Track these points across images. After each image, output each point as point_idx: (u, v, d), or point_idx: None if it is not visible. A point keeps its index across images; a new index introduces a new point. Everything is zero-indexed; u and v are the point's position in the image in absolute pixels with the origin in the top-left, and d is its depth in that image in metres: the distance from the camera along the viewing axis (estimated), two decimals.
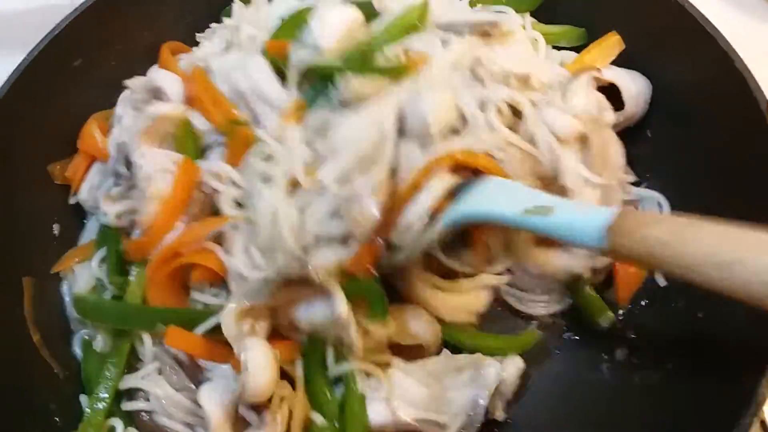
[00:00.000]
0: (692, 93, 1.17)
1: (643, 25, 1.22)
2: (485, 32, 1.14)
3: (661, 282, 1.10)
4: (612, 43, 1.24)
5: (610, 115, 1.18)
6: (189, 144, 1.09)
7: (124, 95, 1.27)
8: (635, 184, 1.20)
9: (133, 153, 1.05)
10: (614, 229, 0.77)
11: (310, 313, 0.94)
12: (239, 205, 1.05)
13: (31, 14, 1.59)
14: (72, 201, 1.25)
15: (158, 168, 1.03)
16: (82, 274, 1.14)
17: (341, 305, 0.90)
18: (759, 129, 0.99)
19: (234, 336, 0.91)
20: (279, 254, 0.95)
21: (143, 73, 1.33)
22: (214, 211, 1.06)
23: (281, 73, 1.13)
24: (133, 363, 1.06)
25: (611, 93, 1.21)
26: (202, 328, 0.96)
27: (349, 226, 0.93)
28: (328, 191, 0.95)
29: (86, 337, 1.10)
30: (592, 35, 1.29)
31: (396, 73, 1.03)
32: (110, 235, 1.09)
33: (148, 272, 1.02)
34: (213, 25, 1.38)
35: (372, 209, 0.93)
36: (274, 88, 1.08)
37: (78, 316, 1.10)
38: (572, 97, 1.11)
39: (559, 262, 1.06)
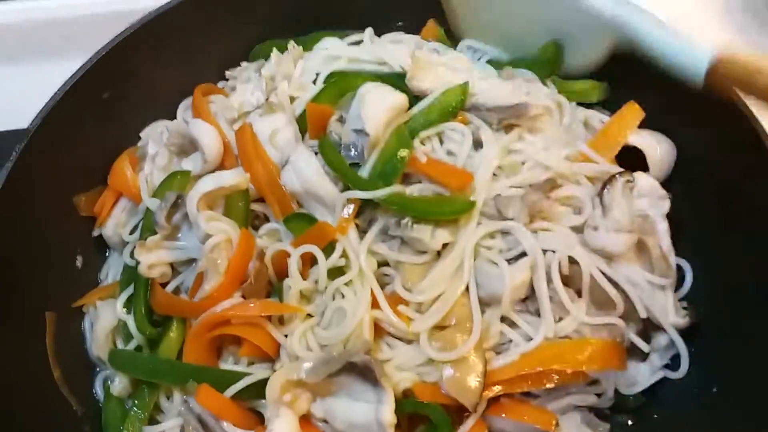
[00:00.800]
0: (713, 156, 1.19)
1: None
2: (511, 125, 1.16)
3: None
4: (632, 115, 1.24)
5: (664, 205, 1.17)
6: (244, 215, 1.09)
7: (151, 131, 1.26)
8: None
9: (196, 217, 1.05)
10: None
11: (349, 409, 0.94)
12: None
13: (92, 19, 1.60)
14: (95, 233, 1.25)
15: (221, 237, 1.03)
16: (105, 312, 1.15)
17: (388, 411, 0.90)
18: None
19: (273, 400, 0.91)
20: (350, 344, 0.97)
21: (173, 106, 1.34)
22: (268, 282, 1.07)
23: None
24: (154, 415, 1.07)
25: (635, 154, 1.23)
26: (235, 389, 0.97)
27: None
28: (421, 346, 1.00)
29: (108, 382, 1.11)
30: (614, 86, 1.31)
31: (448, 210, 1.05)
32: (139, 282, 1.09)
33: (191, 332, 1.02)
34: (243, 63, 1.38)
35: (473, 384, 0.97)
36: (326, 187, 1.08)
37: (106, 362, 1.11)
38: (613, 210, 1.08)
39: None
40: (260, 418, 0.99)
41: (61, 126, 1.16)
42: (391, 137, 1.10)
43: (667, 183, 1.23)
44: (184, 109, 1.33)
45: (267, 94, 1.24)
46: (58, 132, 1.16)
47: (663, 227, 1.15)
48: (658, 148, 1.24)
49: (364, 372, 0.92)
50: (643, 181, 1.17)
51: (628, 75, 1.21)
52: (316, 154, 1.12)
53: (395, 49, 1.28)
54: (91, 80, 1.19)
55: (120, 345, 1.13)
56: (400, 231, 1.03)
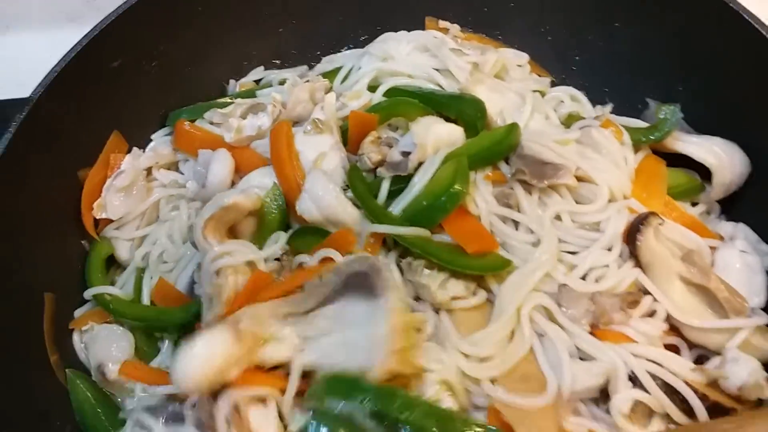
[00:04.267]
0: None
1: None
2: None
3: None
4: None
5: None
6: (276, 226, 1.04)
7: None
8: None
9: (203, 244, 0.99)
10: None
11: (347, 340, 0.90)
12: None
13: None
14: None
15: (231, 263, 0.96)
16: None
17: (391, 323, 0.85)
18: None
19: None
20: None
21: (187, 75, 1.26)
22: None
23: None
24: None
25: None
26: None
27: None
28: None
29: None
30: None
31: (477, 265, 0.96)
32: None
33: None
34: (232, 81, 1.33)
35: None
36: (348, 211, 0.99)
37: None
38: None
39: None
40: None
41: (65, 98, 1.09)
42: (445, 168, 1.00)
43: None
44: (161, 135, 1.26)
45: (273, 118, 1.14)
46: (63, 102, 1.09)
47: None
48: (726, 160, 1.09)
49: (366, 283, 0.86)
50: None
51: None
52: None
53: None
54: (98, 48, 1.10)
55: None
56: (410, 274, 0.94)
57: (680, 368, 0.91)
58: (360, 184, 1.02)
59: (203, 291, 0.97)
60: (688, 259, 0.97)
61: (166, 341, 1.07)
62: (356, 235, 0.98)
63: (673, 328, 0.96)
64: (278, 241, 1.02)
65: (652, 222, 0.97)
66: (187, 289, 1.07)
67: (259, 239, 1.04)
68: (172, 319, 1.05)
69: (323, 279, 0.90)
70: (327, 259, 0.96)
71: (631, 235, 0.97)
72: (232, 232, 1.06)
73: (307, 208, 1.00)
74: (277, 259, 1.02)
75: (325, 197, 0.99)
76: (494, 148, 1.04)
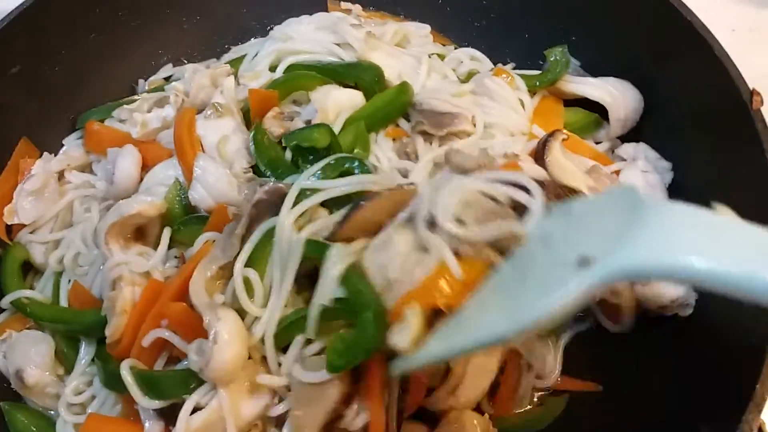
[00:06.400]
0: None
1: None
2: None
3: None
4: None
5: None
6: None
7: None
8: None
9: (104, 250, 0.98)
10: None
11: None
12: None
13: None
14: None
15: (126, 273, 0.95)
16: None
17: None
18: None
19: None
20: None
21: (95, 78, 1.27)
22: None
23: None
24: None
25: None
26: None
27: None
28: None
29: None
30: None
31: None
32: None
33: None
34: (141, 81, 1.34)
35: None
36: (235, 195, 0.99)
37: None
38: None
39: None
40: None
41: None
42: (345, 134, 1.02)
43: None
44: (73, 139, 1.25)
45: (177, 108, 1.14)
46: None
47: None
48: (619, 98, 1.13)
49: None
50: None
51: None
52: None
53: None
54: None
55: None
56: None
57: None
58: (266, 139, 1.02)
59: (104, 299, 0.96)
60: (594, 172, 1.01)
61: (84, 342, 1.04)
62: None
63: None
64: (162, 243, 0.99)
65: (557, 136, 1.01)
66: (101, 293, 1.03)
67: None
68: (88, 321, 1.02)
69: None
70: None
71: (539, 152, 0.99)
72: (139, 231, 1.04)
73: (201, 197, 0.99)
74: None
75: (216, 185, 0.98)
76: (388, 107, 1.07)
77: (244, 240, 0.88)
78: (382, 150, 1.04)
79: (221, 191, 0.97)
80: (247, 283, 0.87)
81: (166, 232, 1.00)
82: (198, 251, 0.92)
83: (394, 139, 1.06)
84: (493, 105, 1.08)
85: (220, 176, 0.98)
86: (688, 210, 0.57)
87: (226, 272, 0.89)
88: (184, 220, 1.00)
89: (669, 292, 0.96)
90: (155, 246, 1.02)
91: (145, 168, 1.10)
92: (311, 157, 1.00)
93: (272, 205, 0.88)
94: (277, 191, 0.89)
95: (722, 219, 0.56)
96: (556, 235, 0.67)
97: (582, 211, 0.67)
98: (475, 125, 1.05)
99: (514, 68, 1.25)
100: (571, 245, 0.61)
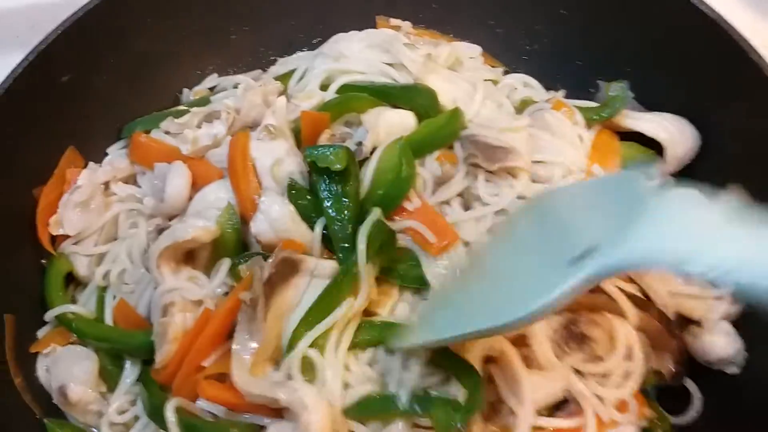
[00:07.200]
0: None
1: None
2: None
3: None
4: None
5: None
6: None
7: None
8: None
9: (156, 274, 0.98)
10: None
11: None
12: None
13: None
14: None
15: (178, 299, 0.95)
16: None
17: None
18: None
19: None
20: None
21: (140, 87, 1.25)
22: None
23: None
24: None
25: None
26: None
27: None
28: None
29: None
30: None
31: None
32: None
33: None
34: (186, 90, 1.32)
35: None
36: (302, 231, 0.99)
37: None
38: None
39: None
40: None
41: (13, 115, 1.07)
42: (389, 154, 1.01)
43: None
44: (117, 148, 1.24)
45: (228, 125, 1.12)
46: (12, 121, 1.07)
47: None
48: (677, 134, 1.11)
49: None
50: None
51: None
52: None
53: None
54: (44, 64, 1.09)
55: None
56: None
57: None
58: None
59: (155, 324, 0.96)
60: None
61: (129, 362, 1.03)
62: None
63: None
64: (219, 274, 0.99)
65: None
66: (147, 313, 1.04)
67: (215, 261, 1.02)
68: (135, 343, 1.01)
69: None
70: None
71: None
72: (189, 256, 1.03)
73: (264, 230, 0.97)
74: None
75: (280, 219, 0.97)
76: (436, 134, 1.05)
77: None
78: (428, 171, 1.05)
79: (284, 228, 0.97)
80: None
81: (225, 264, 0.99)
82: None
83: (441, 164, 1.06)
84: (552, 140, 1.06)
85: (284, 212, 0.97)
86: (691, 198, 0.55)
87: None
88: (245, 255, 0.99)
89: (718, 349, 0.97)
90: (204, 269, 1.02)
91: (194, 186, 1.09)
92: (326, 177, 0.98)
93: (283, 275, 0.90)
94: (285, 261, 0.89)
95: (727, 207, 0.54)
96: (554, 219, 0.66)
97: (582, 194, 0.67)
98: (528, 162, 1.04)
99: (565, 96, 1.24)
100: (571, 232, 0.61)
